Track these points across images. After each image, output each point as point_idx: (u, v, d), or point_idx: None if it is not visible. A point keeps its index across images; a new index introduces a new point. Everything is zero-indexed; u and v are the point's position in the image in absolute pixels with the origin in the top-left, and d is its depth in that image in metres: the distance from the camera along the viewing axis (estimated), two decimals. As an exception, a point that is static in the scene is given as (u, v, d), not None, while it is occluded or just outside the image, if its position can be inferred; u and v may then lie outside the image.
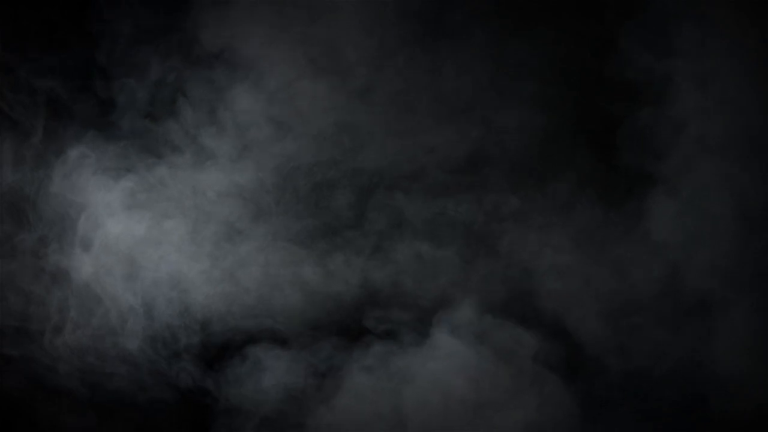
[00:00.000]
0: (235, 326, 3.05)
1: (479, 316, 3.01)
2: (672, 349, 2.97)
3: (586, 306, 3.00)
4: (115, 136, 3.08)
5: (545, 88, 3.08)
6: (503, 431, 2.91)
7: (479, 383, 2.95)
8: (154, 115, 3.09)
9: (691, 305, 2.97)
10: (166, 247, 3.08)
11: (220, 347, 3.05)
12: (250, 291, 3.06)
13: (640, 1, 3.02)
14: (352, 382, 3.00)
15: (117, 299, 3.05)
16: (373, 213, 3.09)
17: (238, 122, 3.10)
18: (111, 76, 3.08)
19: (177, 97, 3.08)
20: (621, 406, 2.97)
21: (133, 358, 3.03)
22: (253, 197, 3.09)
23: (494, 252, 3.06)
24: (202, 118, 3.09)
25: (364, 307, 3.05)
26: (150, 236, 3.08)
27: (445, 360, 2.97)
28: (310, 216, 3.10)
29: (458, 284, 3.05)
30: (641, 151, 3.02)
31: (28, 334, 3.03)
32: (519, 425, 2.92)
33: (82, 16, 3.09)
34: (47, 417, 3.05)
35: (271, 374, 3.03)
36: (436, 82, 3.09)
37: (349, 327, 3.05)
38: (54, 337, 3.02)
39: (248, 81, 3.09)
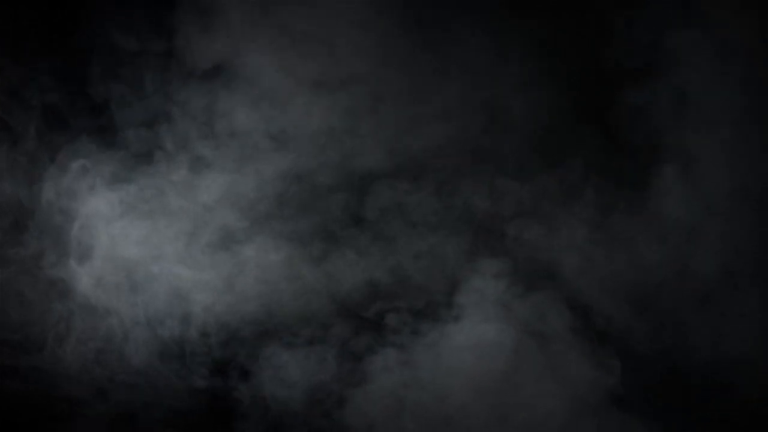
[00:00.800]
0: (260, 328, 3.06)
1: (498, 298, 3.00)
2: (692, 330, 2.95)
3: (602, 289, 2.99)
4: (113, 146, 3.08)
5: (546, 72, 3.07)
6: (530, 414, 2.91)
7: (500, 363, 2.95)
8: (152, 125, 3.09)
9: (705, 288, 2.95)
10: (167, 250, 3.09)
11: (236, 350, 3.06)
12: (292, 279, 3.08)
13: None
14: (378, 370, 3.00)
15: (121, 308, 3.06)
16: (384, 208, 3.09)
17: (238, 128, 3.09)
18: (107, 87, 3.08)
19: (173, 107, 3.08)
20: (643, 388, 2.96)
21: (143, 367, 3.04)
22: (267, 196, 3.09)
23: (506, 239, 3.06)
24: (198, 126, 3.09)
25: (385, 298, 3.06)
26: (151, 241, 3.08)
27: (466, 345, 2.98)
28: (315, 217, 3.10)
29: (470, 272, 3.04)
30: (648, 130, 3.00)
31: (30, 343, 3.04)
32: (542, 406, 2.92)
33: (77, 24, 3.10)
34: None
35: (306, 367, 3.03)
36: (438, 75, 3.07)
37: (368, 318, 3.05)
38: (58, 347, 3.03)
39: (246, 86, 3.08)
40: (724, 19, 2.93)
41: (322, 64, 3.07)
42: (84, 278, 3.05)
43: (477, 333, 2.96)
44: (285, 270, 3.07)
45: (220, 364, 3.04)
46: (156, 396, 3.03)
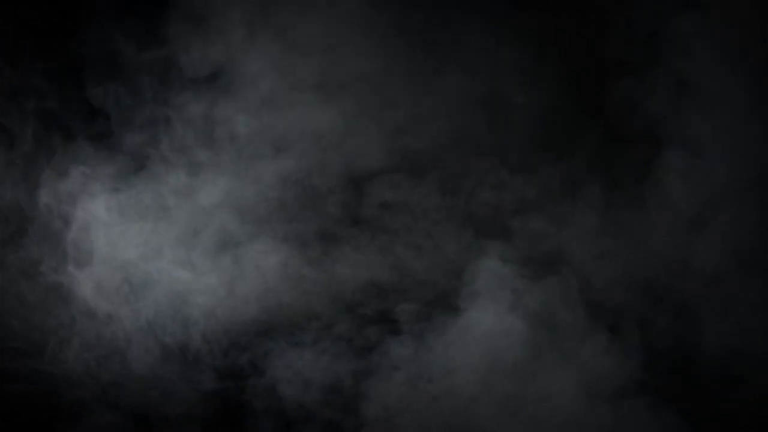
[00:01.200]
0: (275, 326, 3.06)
1: (505, 291, 3.00)
2: (701, 321, 2.95)
3: (609, 280, 2.99)
4: (111, 151, 3.07)
5: (546, 66, 3.07)
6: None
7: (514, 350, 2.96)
8: (150, 129, 3.08)
9: (714, 279, 2.94)
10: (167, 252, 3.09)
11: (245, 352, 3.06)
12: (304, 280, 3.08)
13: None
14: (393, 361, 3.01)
15: (122, 313, 3.05)
16: (388, 206, 3.09)
17: (237, 131, 3.09)
18: (106, 92, 3.07)
19: (171, 112, 3.07)
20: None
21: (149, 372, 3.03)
22: (269, 199, 3.09)
23: (511, 231, 3.07)
24: (198, 130, 3.08)
25: (397, 293, 3.06)
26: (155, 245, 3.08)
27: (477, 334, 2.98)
28: (319, 218, 3.10)
29: (476, 266, 3.04)
30: (650, 120, 2.99)
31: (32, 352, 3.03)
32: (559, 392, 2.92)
33: (76, 28, 3.09)
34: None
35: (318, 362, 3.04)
36: (439, 74, 3.07)
37: (376, 315, 3.05)
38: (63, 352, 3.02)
39: (244, 89, 3.08)
40: (724, 6, 2.92)
41: (321, 64, 3.07)
42: (84, 283, 3.04)
43: (487, 324, 2.97)
44: (290, 271, 3.06)
45: (231, 365, 3.04)
46: (165, 399, 3.02)
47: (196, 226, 3.07)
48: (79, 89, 3.07)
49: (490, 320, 2.96)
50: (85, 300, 3.04)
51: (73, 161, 3.06)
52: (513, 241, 3.04)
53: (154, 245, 3.06)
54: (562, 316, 2.96)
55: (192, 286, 3.04)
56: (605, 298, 2.98)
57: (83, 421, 3.00)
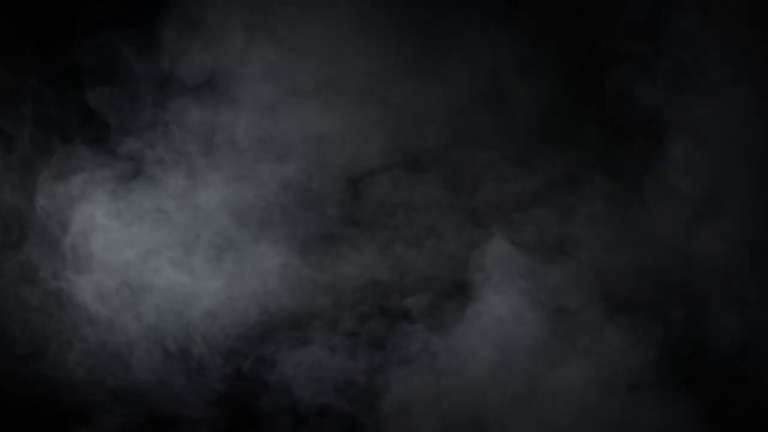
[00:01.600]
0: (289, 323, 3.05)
1: (510, 284, 3.00)
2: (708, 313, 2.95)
3: (614, 273, 2.99)
4: (110, 155, 3.06)
5: (547, 62, 3.08)
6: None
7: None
8: (149, 134, 3.07)
9: (719, 272, 2.95)
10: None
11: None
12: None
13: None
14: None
15: (123, 318, 3.03)
16: (392, 204, 3.09)
17: (237, 134, 3.08)
18: (105, 96, 3.06)
19: (169, 116, 3.07)
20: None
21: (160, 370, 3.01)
22: (271, 203, 3.08)
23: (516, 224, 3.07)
24: (196, 133, 3.08)
25: (403, 289, 3.06)
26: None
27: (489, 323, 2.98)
28: (321, 219, 3.10)
29: (482, 260, 3.04)
30: (651, 110, 3.00)
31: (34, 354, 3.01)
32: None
33: (75, 33, 3.08)
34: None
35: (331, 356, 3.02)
36: (439, 76, 3.09)
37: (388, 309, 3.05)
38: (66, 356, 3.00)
39: (243, 92, 3.08)
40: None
41: (320, 65, 3.08)
42: (83, 288, 3.02)
43: (497, 315, 2.98)
44: (295, 271, 3.06)
45: (237, 367, 3.02)
46: (171, 402, 3.00)
47: (197, 229, 3.06)
48: (78, 92, 3.06)
49: (501, 311, 2.96)
50: (85, 305, 3.01)
51: (72, 165, 3.05)
52: (517, 234, 3.04)
53: (154, 249, 3.05)
54: (569, 309, 2.97)
55: (193, 289, 3.03)
56: (612, 290, 2.98)
57: (87, 424, 2.98)
